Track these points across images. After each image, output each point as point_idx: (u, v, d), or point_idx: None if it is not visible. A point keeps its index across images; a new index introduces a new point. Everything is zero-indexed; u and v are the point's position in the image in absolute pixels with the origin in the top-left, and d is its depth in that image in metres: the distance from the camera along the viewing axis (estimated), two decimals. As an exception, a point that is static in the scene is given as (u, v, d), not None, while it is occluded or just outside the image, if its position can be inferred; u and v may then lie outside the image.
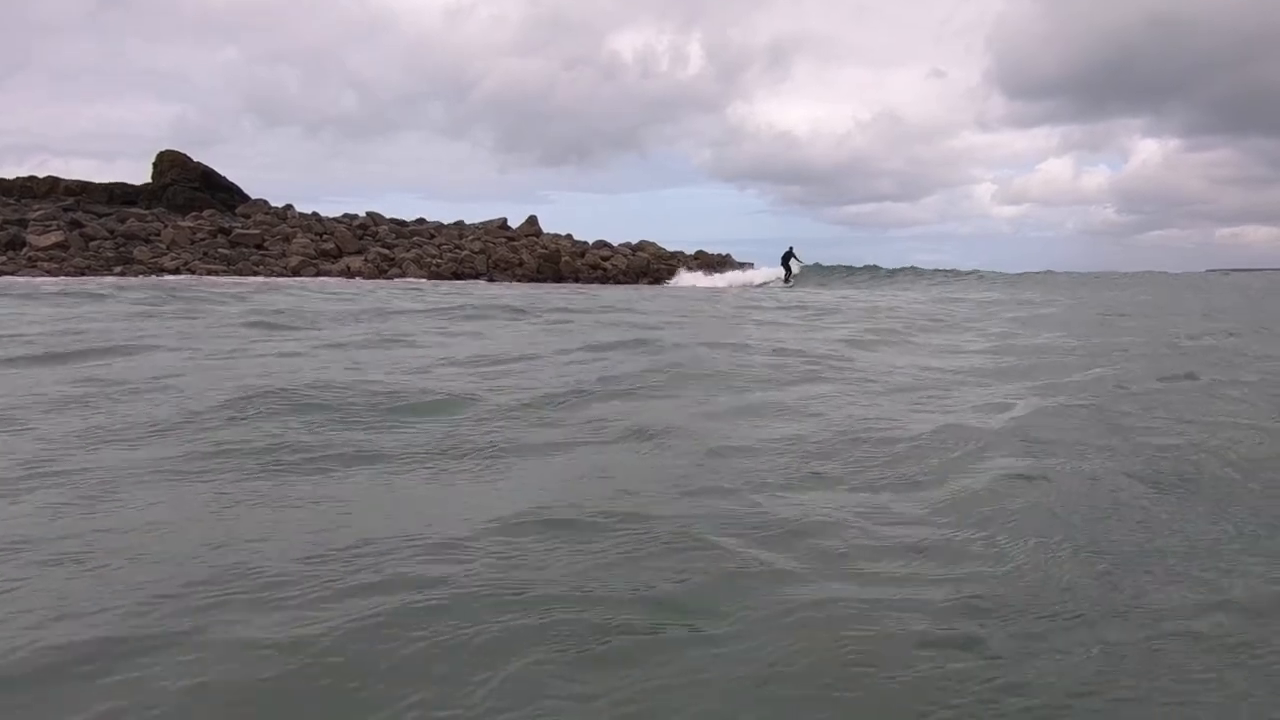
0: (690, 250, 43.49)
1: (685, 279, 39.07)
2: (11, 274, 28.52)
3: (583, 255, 39.97)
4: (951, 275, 40.77)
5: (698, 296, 24.50)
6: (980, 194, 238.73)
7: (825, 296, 24.96)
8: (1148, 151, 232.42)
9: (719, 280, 38.56)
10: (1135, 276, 40.75)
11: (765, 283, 38.05)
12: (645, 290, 30.16)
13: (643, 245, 42.72)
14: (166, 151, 43.39)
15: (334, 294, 20.21)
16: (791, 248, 39.41)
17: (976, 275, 40.53)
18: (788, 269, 38.67)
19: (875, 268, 43.46)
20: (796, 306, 18.40)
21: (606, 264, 39.58)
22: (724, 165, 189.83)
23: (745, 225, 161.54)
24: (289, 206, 41.97)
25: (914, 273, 42.39)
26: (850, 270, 43.13)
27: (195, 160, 43.33)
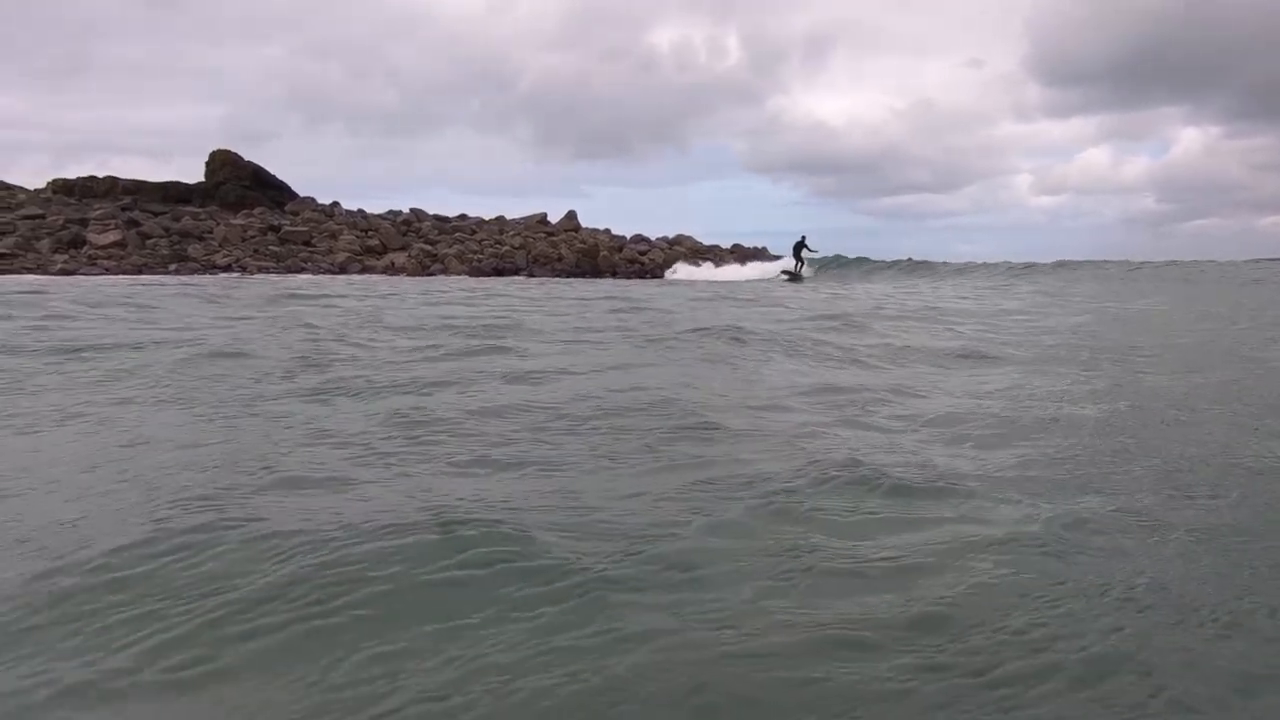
0: (727, 244, 44.00)
1: (682, 272, 38.40)
2: (72, 272, 29.87)
3: (620, 250, 40.61)
4: (1005, 270, 37.09)
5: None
6: (1018, 184, 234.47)
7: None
8: (1189, 139, 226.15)
9: (726, 273, 37.65)
10: (1191, 265, 37.66)
11: (773, 277, 35.52)
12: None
13: (679, 239, 43.30)
14: (219, 151, 44.77)
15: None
16: (803, 237, 36.05)
17: (1016, 267, 38.27)
18: (799, 260, 35.84)
19: (900, 261, 40.45)
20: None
21: (644, 258, 40.17)
22: (761, 157, 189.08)
23: (782, 217, 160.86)
24: (335, 204, 43.22)
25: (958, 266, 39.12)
26: (871, 263, 40.14)
27: (246, 159, 44.70)
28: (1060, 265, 36.62)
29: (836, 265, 39.83)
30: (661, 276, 38.01)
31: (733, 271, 38.23)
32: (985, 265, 38.27)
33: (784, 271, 35.77)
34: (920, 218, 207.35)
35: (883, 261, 40.41)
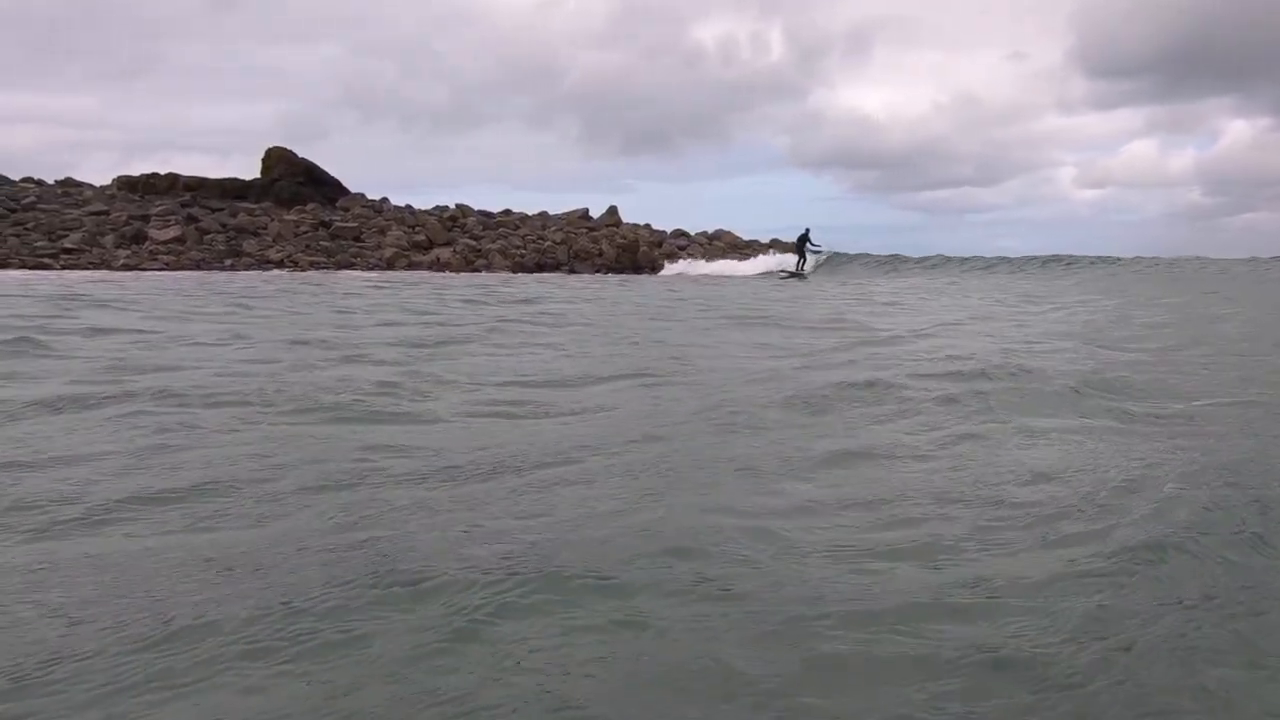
0: (765, 239, 44.35)
1: (678, 266, 37.66)
2: (134, 267, 31.34)
3: (660, 245, 41.25)
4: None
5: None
6: (1061, 177, 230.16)
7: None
8: (1236, 131, 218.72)
9: (727, 268, 36.72)
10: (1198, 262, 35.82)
11: (774, 272, 33.68)
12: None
13: (719, 234, 43.83)
14: (274, 148, 46.19)
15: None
16: (807, 230, 34.31)
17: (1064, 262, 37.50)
18: (802, 255, 34.10)
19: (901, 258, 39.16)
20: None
21: (683, 253, 40.74)
22: (802, 152, 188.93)
23: (822, 212, 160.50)
24: (384, 199, 44.45)
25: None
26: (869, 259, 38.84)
27: (300, 156, 46.07)
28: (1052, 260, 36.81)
29: (844, 261, 39.24)
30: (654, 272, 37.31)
31: (730, 266, 37.28)
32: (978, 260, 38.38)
33: (783, 271, 33.98)
34: (960, 212, 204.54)
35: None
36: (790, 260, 34.80)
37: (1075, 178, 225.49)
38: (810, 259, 34.67)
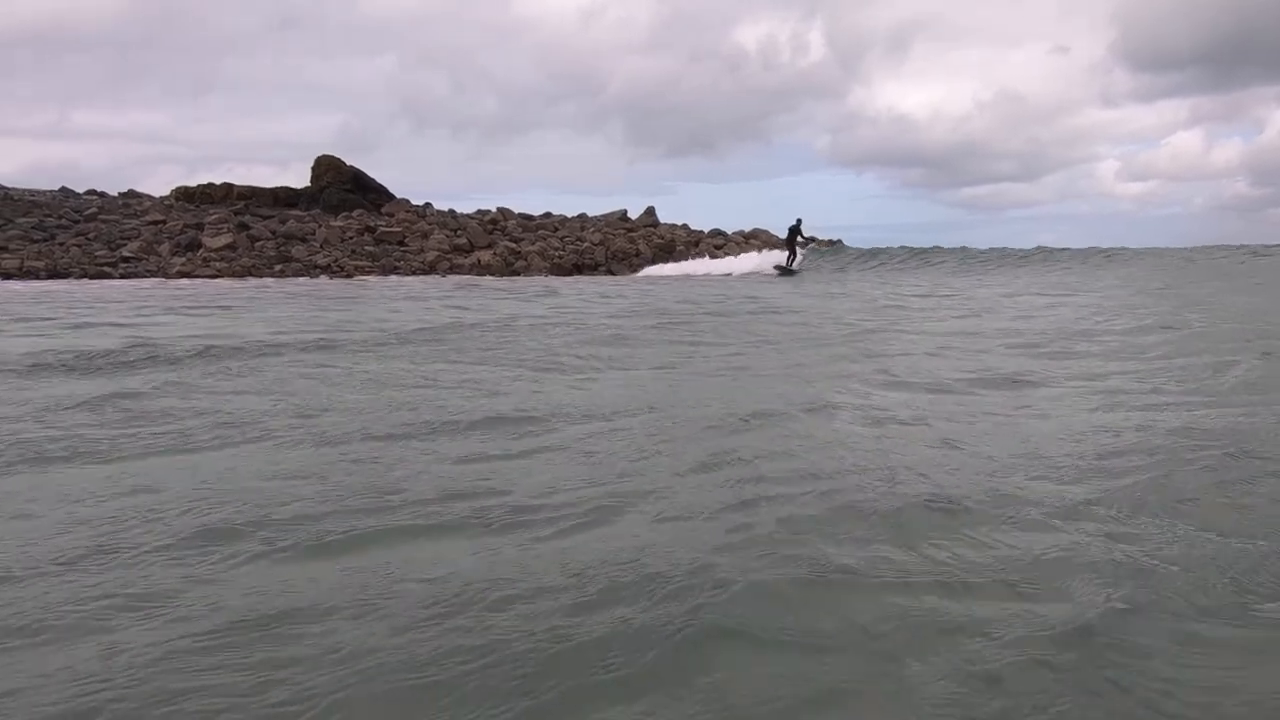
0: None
1: (666, 269, 36.70)
2: (189, 274, 32.68)
3: (697, 244, 41.71)
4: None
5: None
6: (1103, 172, 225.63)
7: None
8: None
9: (707, 266, 35.78)
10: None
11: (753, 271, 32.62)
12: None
13: (755, 233, 44.16)
14: (323, 156, 47.55)
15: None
16: (799, 221, 33.03)
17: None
18: (792, 249, 32.88)
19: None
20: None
21: (720, 252, 41.16)
22: (843, 151, 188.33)
23: (863, 210, 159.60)
24: (428, 204, 45.54)
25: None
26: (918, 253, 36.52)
27: (348, 164, 47.36)
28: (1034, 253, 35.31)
29: (837, 256, 38.36)
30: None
31: (705, 265, 36.46)
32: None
33: (776, 266, 33.05)
34: (1002, 208, 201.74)
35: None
36: (780, 256, 33.91)
37: (1118, 171, 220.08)
38: (800, 253, 33.52)
